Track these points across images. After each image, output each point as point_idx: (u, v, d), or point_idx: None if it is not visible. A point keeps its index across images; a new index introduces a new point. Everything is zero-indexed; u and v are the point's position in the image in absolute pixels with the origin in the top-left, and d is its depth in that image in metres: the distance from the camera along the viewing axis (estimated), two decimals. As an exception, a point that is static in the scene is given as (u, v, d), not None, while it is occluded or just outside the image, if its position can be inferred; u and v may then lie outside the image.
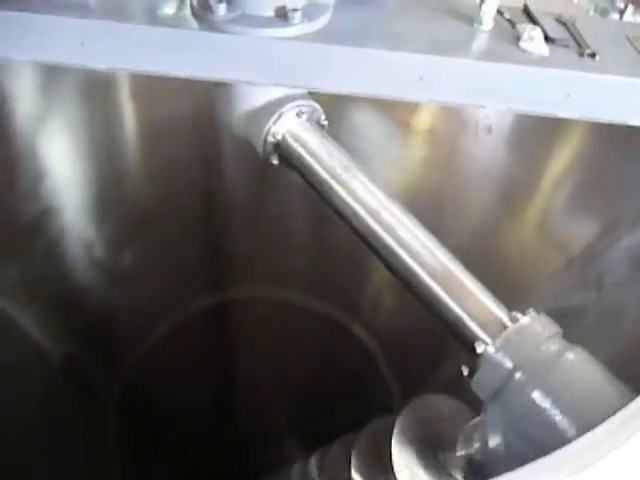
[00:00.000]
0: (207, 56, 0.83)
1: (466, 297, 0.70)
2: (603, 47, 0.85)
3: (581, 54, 0.84)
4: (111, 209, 1.45)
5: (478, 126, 1.40)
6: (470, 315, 0.68)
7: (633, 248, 1.16)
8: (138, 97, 1.36)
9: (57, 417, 1.37)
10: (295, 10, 0.81)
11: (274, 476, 1.18)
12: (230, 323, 1.72)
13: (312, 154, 0.90)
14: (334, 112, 1.42)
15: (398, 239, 0.77)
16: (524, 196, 1.40)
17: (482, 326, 0.67)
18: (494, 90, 0.84)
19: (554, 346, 0.62)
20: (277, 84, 0.87)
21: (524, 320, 0.65)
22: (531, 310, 0.66)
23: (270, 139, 0.93)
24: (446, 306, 0.70)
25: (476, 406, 0.70)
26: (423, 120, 1.49)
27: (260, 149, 0.96)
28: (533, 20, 0.88)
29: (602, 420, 0.48)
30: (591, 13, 0.95)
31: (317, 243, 1.54)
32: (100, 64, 0.84)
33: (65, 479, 1.29)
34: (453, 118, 1.44)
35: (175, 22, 0.82)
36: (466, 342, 0.67)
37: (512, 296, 1.31)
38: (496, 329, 0.65)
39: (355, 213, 0.83)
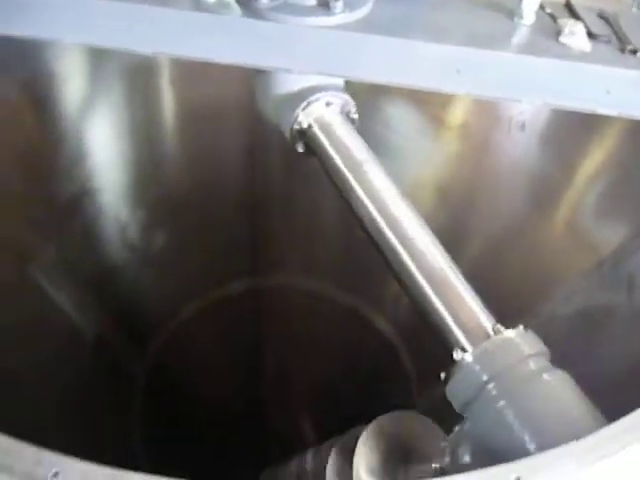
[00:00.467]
0: (249, 43, 0.84)
1: (455, 302, 0.69)
2: (645, 44, 0.84)
3: (622, 50, 0.83)
4: (147, 192, 1.48)
5: (511, 122, 1.39)
6: (455, 320, 0.67)
7: (666, 250, 1.15)
8: (179, 83, 1.38)
9: (86, 396, 1.40)
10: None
11: (276, 468, 1.20)
12: (257, 310, 1.74)
13: (333, 145, 0.91)
14: (368, 104, 1.43)
15: (400, 237, 0.77)
16: (555, 194, 1.38)
17: (465, 333, 0.66)
18: (532, 84, 0.84)
19: (534, 365, 0.60)
20: (317, 72, 0.88)
21: (507, 334, 0.63)
22: (520, 326, 0.64)
23: (296, 126, 0.95)
24: (434, 308, 0.69)
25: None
26: (456, 115, 1.48)
27: (288, 136, 0.97)
28: (575, 15, 0.88)
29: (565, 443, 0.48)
30: (634, 9, 0.95)
31: (347, 236, 1.55)
32: (146, 48, 0.86)
33: (91, 458, 1.32)
34: (486, 113, 1.43)
35: (219, 9, 0.84)
36: (448, 347, 0.66)
37: (539, 293, 1.32)
38: (478, 338, 0.64)
39: (361, 206, 0.83)
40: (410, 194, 1.53)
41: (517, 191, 1.43)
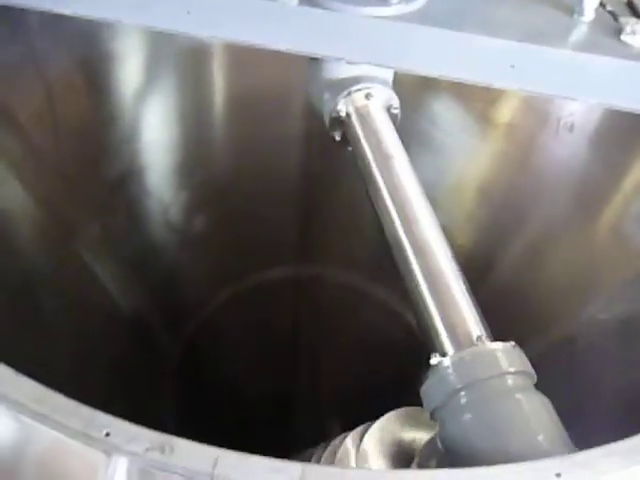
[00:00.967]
0: (304, 30, 0.85)
1: (449, 307, 0.68)
2: None
3: (685, 52, 0.81)
4: (193, 175, 1.51)
5: (560, 123, 1.37)
6: (445, 324, 0.66)
7: None
8: (231, 68, 1.40)
9: (123, 373, 1.43)
10: (395, -10, 0.82)
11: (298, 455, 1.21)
12: (294, 299, 1.76)
13: (365, 136, 0.91)
14: (414, 99, 1.42)
15: (410, 235, 0.77)
16: (601, 199, 1.36)
17: (451, 338, 0.65)
18: (589, 83, 0.83)
19: (510, 382, 0.58)
20: (369, 62, 0.89)
21: (490, 346, 0.62)
22: (510, 342, 0.62)
23: (335, 114, 0.95)
24: (427, 309, 0.69)
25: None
26: (502, 113, 1.46)
27: (327, 123, 0.98)
28: (637, 14, 0.86)
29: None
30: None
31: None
32: (203, 32, 0.88)
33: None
34: (534, 113, 1.40)
35: (277, -5, 0.85)
36: (431, 348, 0.66)
37: (579, 297, 1.29)
38: (462, 346, 0.63)
39: (379, 199, 0.83)
40: (451, 192, 1.54)
41: (561, 193, 1.40)
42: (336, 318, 1.69)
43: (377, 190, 0.84)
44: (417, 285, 0.72)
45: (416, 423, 0.80)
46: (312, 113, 1.06)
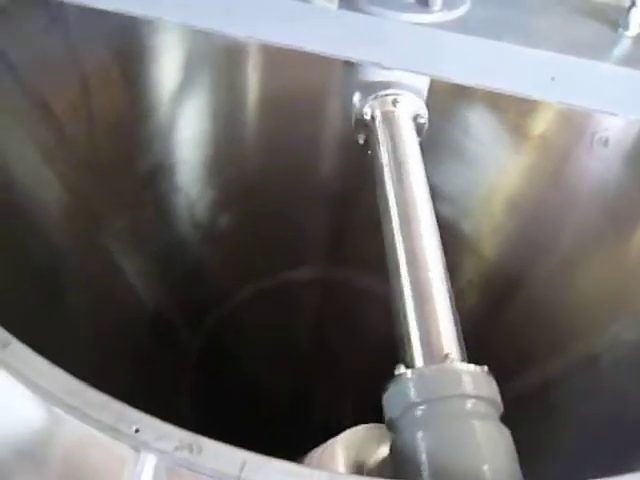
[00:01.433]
0: (343, 34, 0.85)
1: (427, 320, 0.66)
2: None
3: None
4: (222, 173, 1.52)
5: (594, 137, 1.35)
6: (419, 335, 0.64)
7: None
8: (266, 69, 1.41)
9: (143, 367, 1.44)
10: (437, -3, 0.82)
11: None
12: (316, 300, 1.76)
13: (383, 140, 0.90)
14: (447, 108, 1.42)
15: (406, 242, 0.76)
16: (634, 216, 1.33)
17: (423, 351, 0.63)
18: (631, 98, 0.81)
19: (470, 406, 0.55)
20: (405, 69, 0.88)
21: (457, 366, 0.59)
22: (483, 367, 0.60)
23: (360, 117, 0.95)
24: (406, 318, 0.67)
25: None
26: (536, 125, 1.45)
27: (353, 125, 0.98)
28: (684, 30, 0.84)
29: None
30: None
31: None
32: (241, 33, 0.88)
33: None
34: (568, 126, 1.39)
35: (317, -2, 0.85)
36: (401, 359, 0.64)
37: (607, 313, 1.27)
38: (431, 361, 0.61)
39: (383, 202, 0.82)
40: (481, 202, 1.52)
41: (593, 208, 1.38)
42: (361, 321, 1.68)
43: (383, 194, 0.84)
44: (401, 294, 0.70)
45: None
46: (343, 116, 1.07)
